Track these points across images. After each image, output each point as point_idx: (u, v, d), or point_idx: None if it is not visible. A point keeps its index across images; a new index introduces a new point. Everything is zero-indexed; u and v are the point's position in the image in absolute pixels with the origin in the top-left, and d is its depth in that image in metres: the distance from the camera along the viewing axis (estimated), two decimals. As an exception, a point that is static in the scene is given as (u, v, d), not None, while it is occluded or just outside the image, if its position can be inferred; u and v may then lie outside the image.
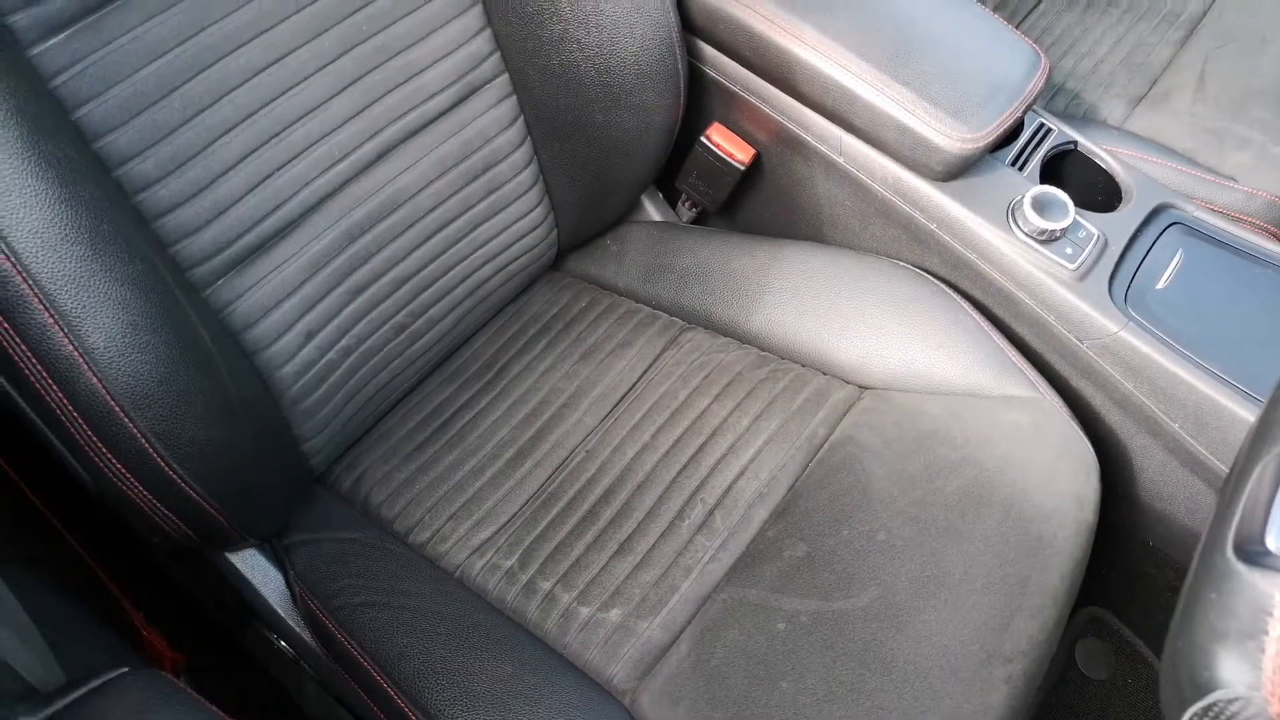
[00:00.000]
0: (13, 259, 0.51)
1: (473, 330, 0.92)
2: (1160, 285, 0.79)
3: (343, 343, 0.77)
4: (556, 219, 0.92)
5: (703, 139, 0.91)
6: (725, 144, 0.91)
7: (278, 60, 0.68)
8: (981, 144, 0.78)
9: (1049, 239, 0.79)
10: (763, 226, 0.98)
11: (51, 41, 0.58)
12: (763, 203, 0.97)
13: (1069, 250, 0.79)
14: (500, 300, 0.93)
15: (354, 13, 0.72)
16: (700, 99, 0.92)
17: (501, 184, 0.85)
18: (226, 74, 0.66)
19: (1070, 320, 0.79)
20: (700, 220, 1.02)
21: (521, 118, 0.85)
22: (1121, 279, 0.79)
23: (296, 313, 0.73)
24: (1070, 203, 0.79)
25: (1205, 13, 1.10)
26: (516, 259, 0.91)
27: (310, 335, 0.74)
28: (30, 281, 0.52)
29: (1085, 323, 0.78)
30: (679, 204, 1.01)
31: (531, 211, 0.89)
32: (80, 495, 0.70)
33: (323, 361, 0.76)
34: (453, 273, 0.85)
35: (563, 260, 0.98)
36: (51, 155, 0.54)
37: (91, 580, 0.77)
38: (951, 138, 0.78)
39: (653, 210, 1.01)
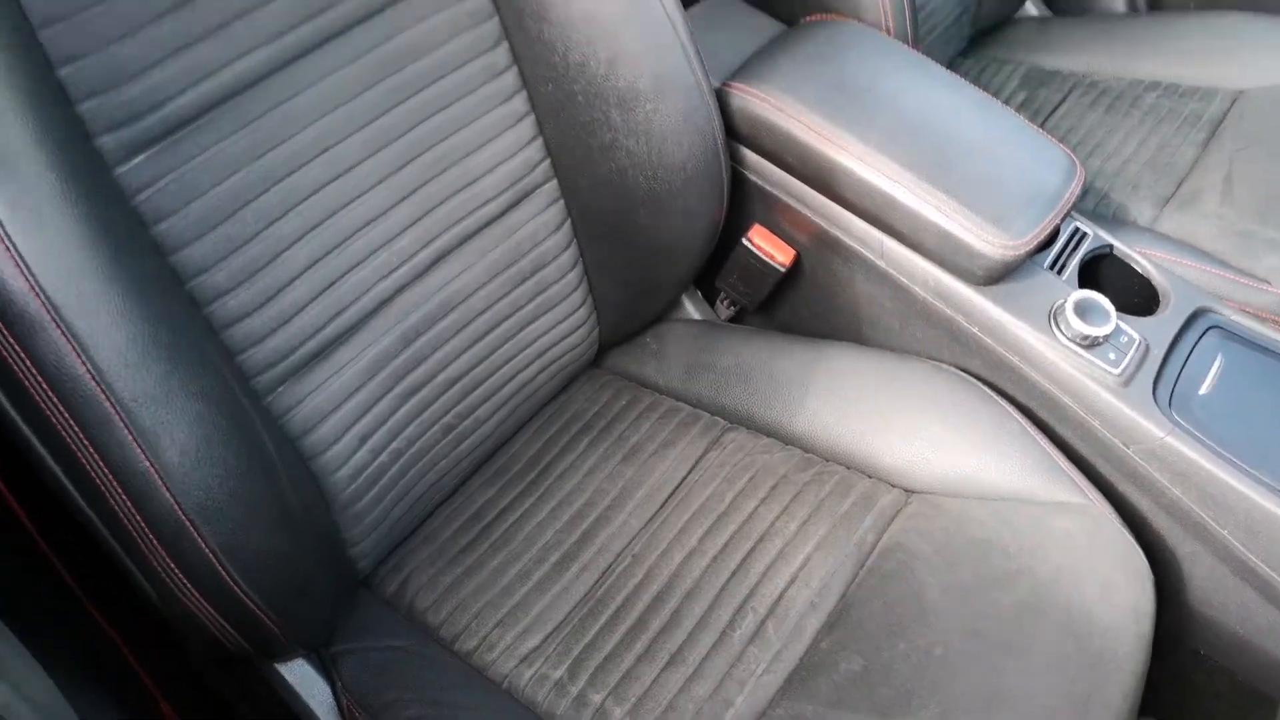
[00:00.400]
0: (97, 377, 0.52)
1: (515, 428, 0.92)
2: (1203, 390, 0.80)
3: (394, 445, 0.78)
4: (599, 317, 0.94)
5: (744, 241, 0.93)
6: (766, 245, 0.93)
7: (343, 173, 0.70)
8: (1023, 250, 0.80)
9: (1091, 344, 0.80)
10: (801, 325, 0.99)
11: (135, 161, 0.60)
12: (802, 302, 0.98)
13: (1112, 355, 0.80)
14: (542, 398, 0.93)
15: (414, 126, 0.74)
16: (741, 201, 0.94)
17: (549, 285, 0.87)
18: (296, 187, 0.68)
19: (1116, 425, 0.79)
20: (739, 318, 1.04)
21: (569, 221, 0.87)
22: (1165, 384, 0.80)
23: (353, 417, 0.74)
24: (1111, 308, 0.80)
25: (1225, 115, 1.13)
26: (560, 357, 0.92)
27: (364, 439, 0.75)
28: (113, 400, 0.53)
29: (1131, 428, 0.78)
30: (718, 302, 1.02)
31: (576, 311, 0.90)
32: (130, 599, 0.70)
33: (374, 465, 0.76)
34: (500, 372, 0.86)
35: (602, 357, 0.99)
36: (136, 272, 0.55)
37: (134, 681, 0.76)
38: (993, 244, 0.79)
39: (691, 308, 1.03)
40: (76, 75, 0.56)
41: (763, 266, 0.93)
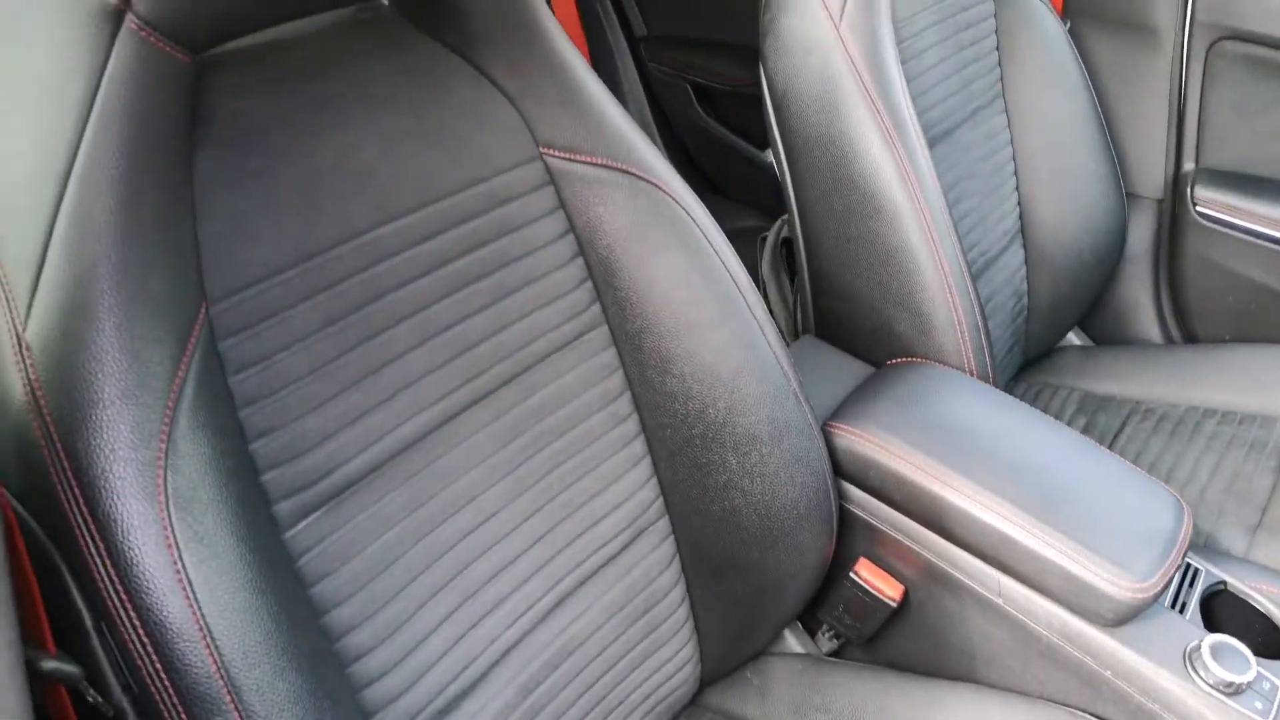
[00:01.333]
0: (262, 766, 0.50)
1: (617, 780, 0.86)
2: (1361, 742, 0.76)
3: (508, 810, 0.72)
4: (702, 653, 0.91)
5: (852, 575, 0.93)
6: (874, 580, 0.92)
7: (482, 523, 0.72)
8: (1152, 593, 0.79)
9: (1235, 691, 0.77)
10: (908, 660, 0.96)
11: (303, 524, 0.61)
12: (907, 635, 0.95)
13: (1258, 704, 0.76)
14: (646, 744, 0.88)
15: (547, 474, 0.76)
16: (847, 536, 0.94)
17: (658, 624, 0.85)
18: (440, 540, 0.69)
19: (1277, 783, 0.74)
20: (841, 651, 1.01)
21: (678, 557, 0.87)
22: (1319, 735, 0.76)
23: (474, 781, 0.69)
24: (1249, 653, 0.78)
25: (1289, 441, 1.16)
26: (665, 698, 0.88)
27: (482, 805, 0.70)
28: (275, 788, 0.50)
29: (1294, 786, 0.73)
30: (819, 634, 1.00)
31: (682, 649, 0.88)
32: None
33: (488, 834, 0.70)
34: (608, 719, 0.82)
35: (701, 694, 0.95)
36: (304, 645, 0.54)
37: None
38: (1122, 587, 0.79)
39: (792, 640, 1.00)
40: (265, 449, 0.59)
41: (872, 601, 0.92)
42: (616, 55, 1.86)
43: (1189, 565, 0.88)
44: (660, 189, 0.79)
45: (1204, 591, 0.87)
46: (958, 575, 0.88)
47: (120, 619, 0.48)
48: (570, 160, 0.77)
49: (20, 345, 0.49)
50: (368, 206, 0.65)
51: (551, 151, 0.76)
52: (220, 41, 0.55)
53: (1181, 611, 0.84)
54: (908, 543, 0.90)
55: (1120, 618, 0.80)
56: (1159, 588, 0.79)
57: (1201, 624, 0.84)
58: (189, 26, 0.51)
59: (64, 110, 0.49)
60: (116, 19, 0.49)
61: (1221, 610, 0.88)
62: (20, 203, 0.50)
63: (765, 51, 1.03)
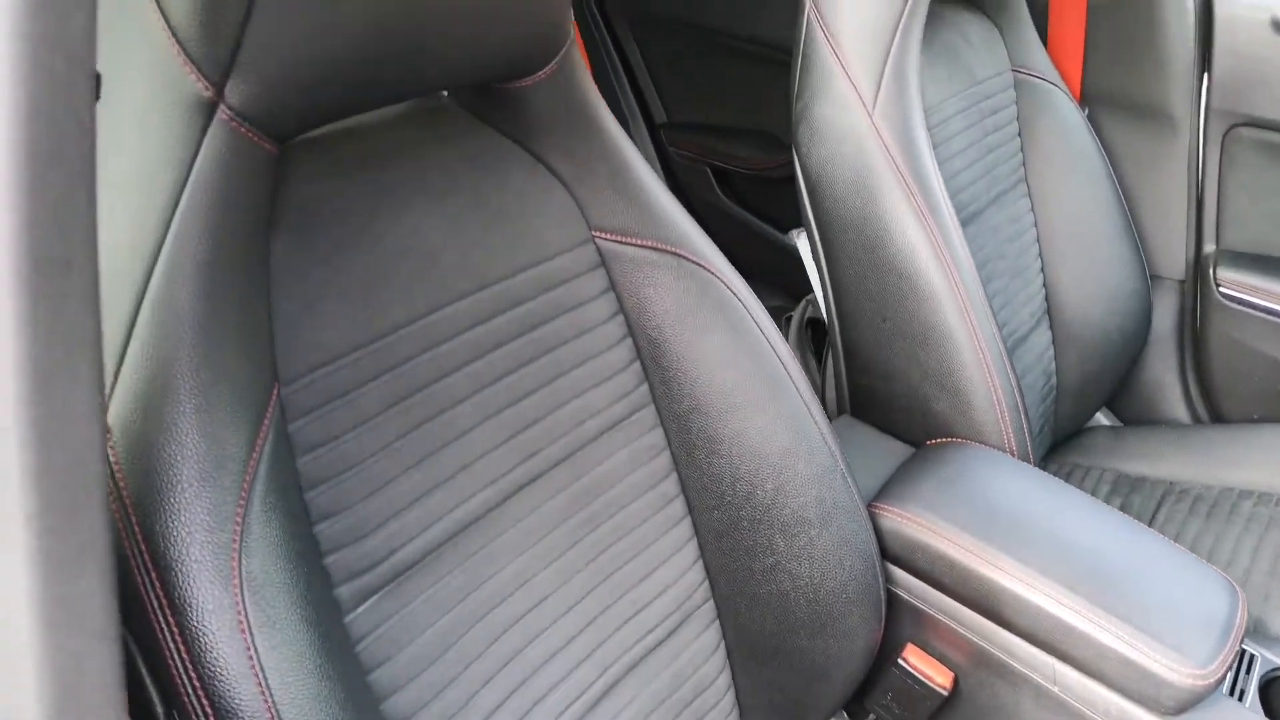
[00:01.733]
0: None
1: None
2: None
3: None
4: (747, 745, 0.88)
5: (900, 661, 0.91)
6: (923, 667, 0.90)
7: (535, 606, 0.70)
8: (1213, 680, 0.77)
9: (1305, 784, 0.75)
10: (958, 750, 0.93)
11: (363, 608, 0.60)
12: (957, 725, 0.93)
13: (1331, 797, 0.74)
14: (692, 841, 0.85)
15: (596, 558, 0.75)
16: (894, 621, 0.93)
17: (704, 713, 0.83)
18: (494, 623, 0.67)
19: None
20: (888, 742, 0.98)
21: (723, 643, 0.85)
22: (1396, 831, 0.74)
23: None
24: (1317, 743, 0.76)
25: (1328, 522, 1.15)
26: (711, 793, 0.85)
27: None
28: None
29: None
30: (865, 724, 0.97)
31: (729, 740, 0.85)
32: None
33: None
34: (656, 817, 0.79)
35: (746, 787, 0.92)
36: (367, 729, 0.53)
37: None
38: (1183, 674, 0.77)
39: (838, 731, 0.97)
40: (329, 530, 0.58)
41: (923, 690, 0.89)
42: (637, 141, 1.91)
43: (1244, 651, 0.87)
44: (707, 270, 0.80)
45: (1261, 678, 0.85)
46: (1011, 662, 0.86)
47: (192, 705, 0.47)
48: (620, 243, 0.78)
49: (101, 427, 0.49)
50: (430, 289, 0.66)
51: (603, 234, 0.78)
52: (302, 131, 0.57)
53: (1240, 699, 0.83)
54: (958, 628, 0.88)
55: (1181, 706, 0.78)
56: (1220, 673, 0.78)
57: (1262, 711, 0.82)
58: (279, 117, 0.53)
59: (153, 198, 0.50)
60: (209, 110, 0.50)
61: (1278, 698, 0.86)
62: (107, 288, 0.50)
63: (799, 138, 1.06)
